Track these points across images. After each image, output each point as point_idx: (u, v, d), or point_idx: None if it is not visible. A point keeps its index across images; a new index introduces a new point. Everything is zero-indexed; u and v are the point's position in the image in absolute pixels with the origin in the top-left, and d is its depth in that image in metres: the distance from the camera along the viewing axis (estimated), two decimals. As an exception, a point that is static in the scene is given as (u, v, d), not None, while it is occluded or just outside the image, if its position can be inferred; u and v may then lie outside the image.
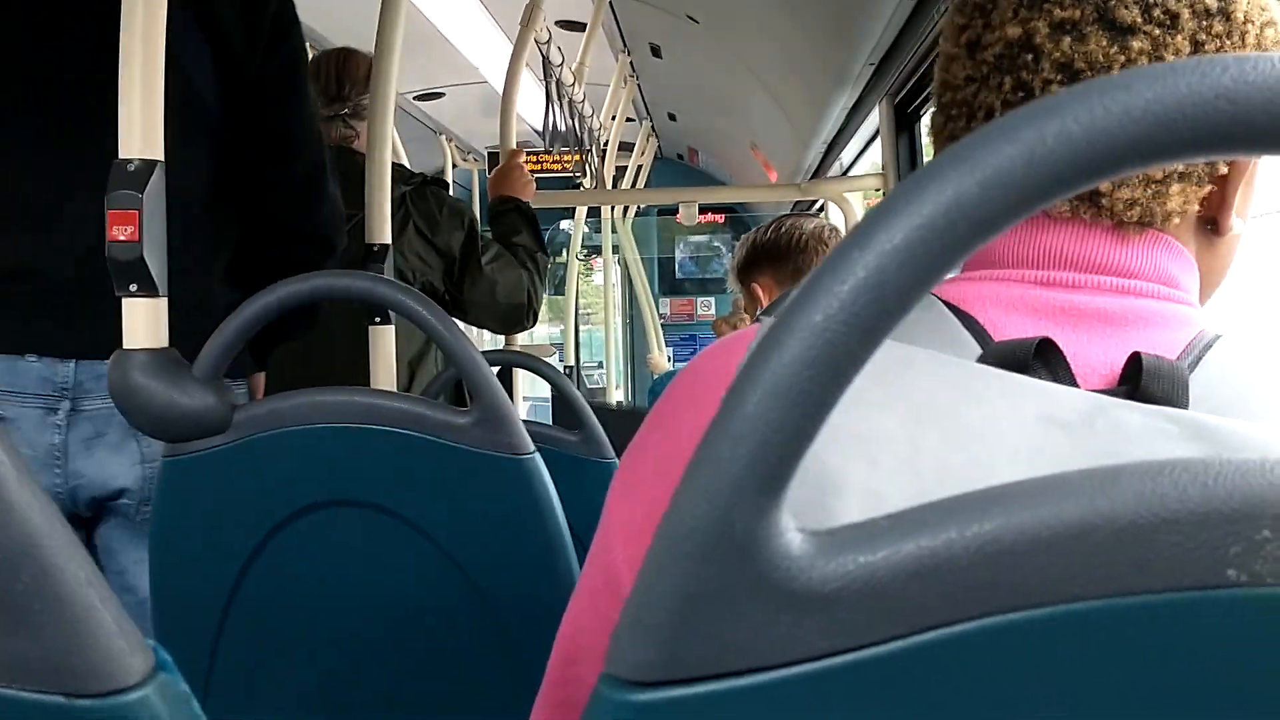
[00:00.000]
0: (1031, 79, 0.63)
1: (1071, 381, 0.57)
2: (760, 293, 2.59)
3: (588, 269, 8.15)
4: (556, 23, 3.83)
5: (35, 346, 1.41)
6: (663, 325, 6.83)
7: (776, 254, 2.54)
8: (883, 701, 0.35)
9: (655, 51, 4.75)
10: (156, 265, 1.14)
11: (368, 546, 1.21)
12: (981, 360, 0.56)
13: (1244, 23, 0.63)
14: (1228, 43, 0.63)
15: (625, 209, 6.22)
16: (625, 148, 5.97)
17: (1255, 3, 0.65)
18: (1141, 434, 0.48)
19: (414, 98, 5.19)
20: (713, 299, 8.15)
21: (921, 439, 0.47)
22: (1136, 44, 0.62)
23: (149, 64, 1.13)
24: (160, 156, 1.15)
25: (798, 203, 4.84)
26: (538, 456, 1.20)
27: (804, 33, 3.13)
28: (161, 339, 1.16)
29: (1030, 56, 0.63)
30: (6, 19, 1.40)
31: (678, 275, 8.24)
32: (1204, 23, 0.62)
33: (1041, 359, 0.56)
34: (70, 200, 1.43)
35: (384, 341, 1.76)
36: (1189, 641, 0.34)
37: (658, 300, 7.57)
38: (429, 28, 4.09)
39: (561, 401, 2.08)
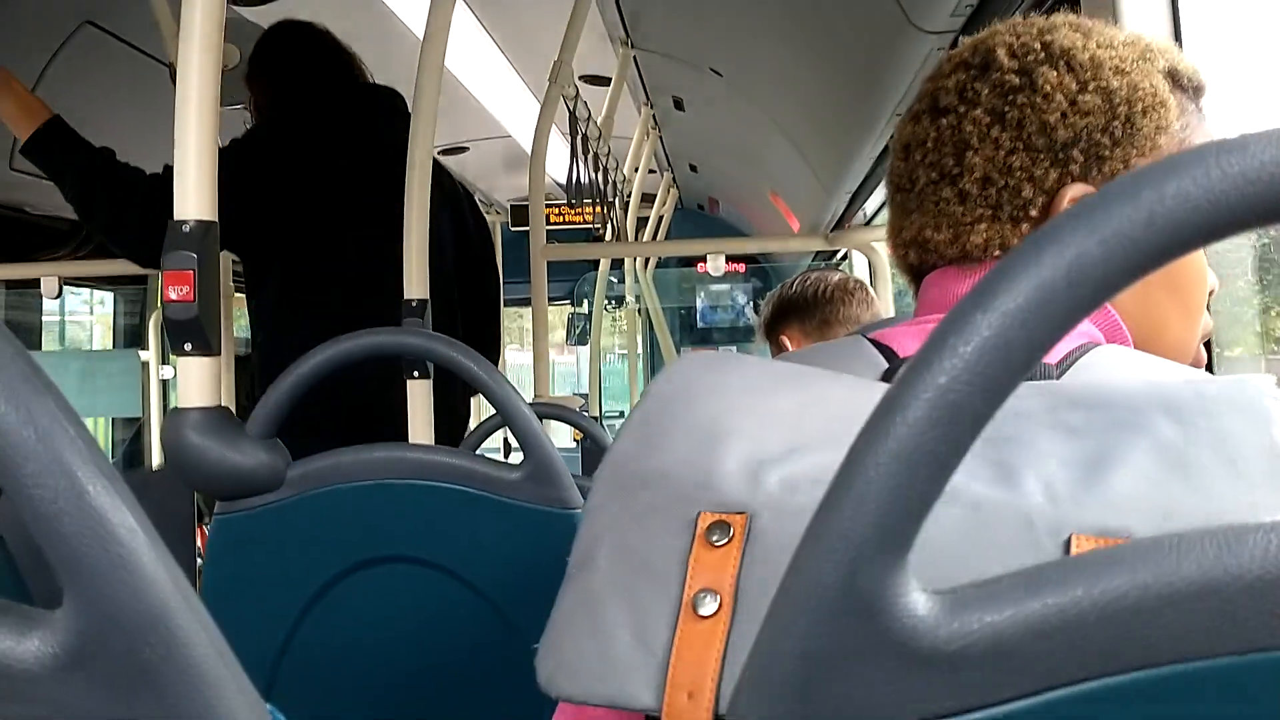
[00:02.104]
0: (895, 161, 0.79)
1: None
2: (789, 344, 2.60)
3: (614, 319, 8.18)
4: (581, 77, 3.87)
5: None
6: (685, 374, 6.81)
7: (804, 306, 2.56)
8: (1009, 760, 0.35)
9: (678, 104, 4.79)
10: (211, 324, 1.15)
11: (418, 602, 1.21)
12: (886, 375, 0.67)
13: (1052, 92, 0.72)
14: (1030, 111, 0.72)
15: (647, 260, 6.25)
16: (646, 199, 6.01)
17: (1078, 74, 0.72)
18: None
19: (439, 152, 5.25)
20: (734, 346, 8.16)
21: (806, 414, 0.56)
22: (945, 121, 0.74)
23: (202, 132, 1.15)
24: (214, 218, 1.17)
25: (819, 253, 4.85)
26: (587, 511, 1.20)
27: (828, 85, 3.16)
28: (216, 397, 1.17)
29: (894, 143, 0.79)
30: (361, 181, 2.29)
31: (698, 324, 8.26)
32: (1007, 96, 0.72)
33: None
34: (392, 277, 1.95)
35: (422, 395, 1.77)
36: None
37: (679, 349, 7.57)
38: (454, 84, 4.14)
39: (593, 452, 2.09)
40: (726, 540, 0.53)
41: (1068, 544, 0.49)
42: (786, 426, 0.56)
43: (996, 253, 0.73)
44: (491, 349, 2.62)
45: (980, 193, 0.73)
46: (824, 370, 0.62)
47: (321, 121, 2.31)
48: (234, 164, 1.80)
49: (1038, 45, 0.73)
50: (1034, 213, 0.73)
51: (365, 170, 2.27)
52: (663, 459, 0.57)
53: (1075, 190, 0.72)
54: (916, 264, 0.78)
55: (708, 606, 0.52)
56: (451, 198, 2.62)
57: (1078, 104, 0.72)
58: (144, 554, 0.36)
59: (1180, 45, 1.24)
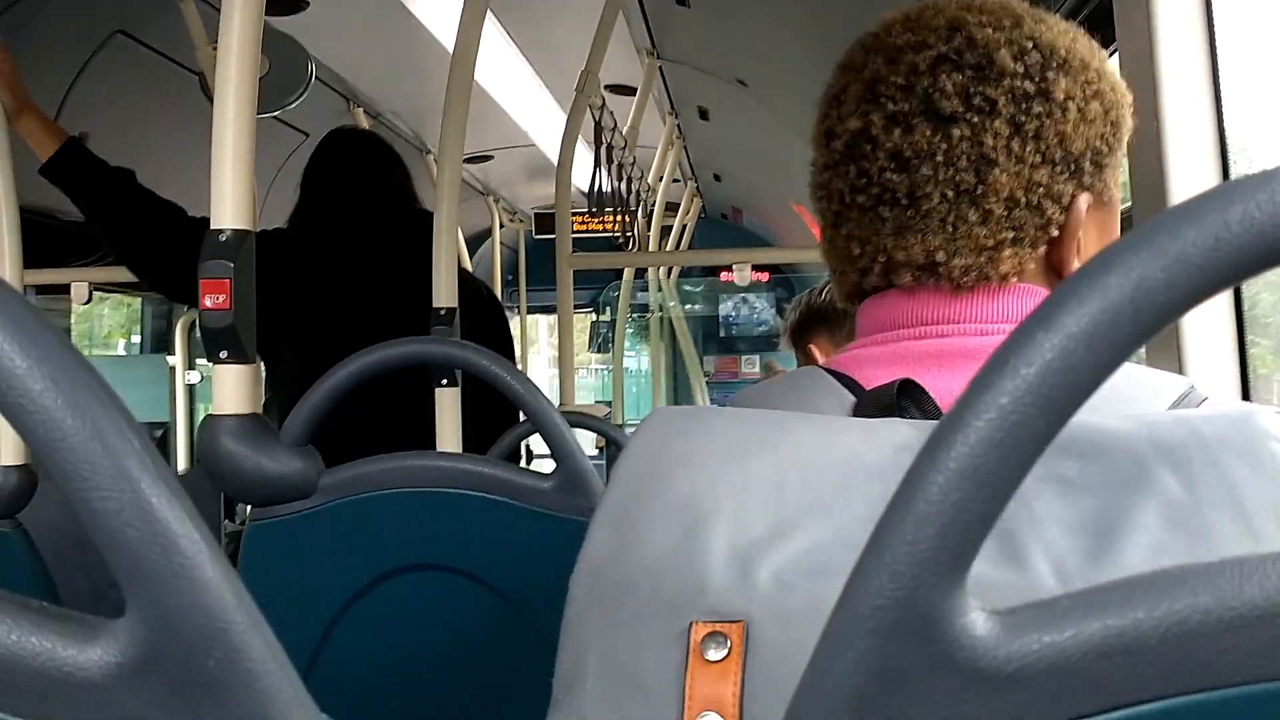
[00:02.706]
0: (870, 167, 0.69)
1: (937, 412, 0.62)
2: (816, 353, 2.59)
3: (639, 329, 8.20)
4: (607, 87, 3.89)
5: None
6: (707, 382, 6.83)
7: (833, 316, 2.55)
8: (1067, 781, 0.35)
9: (703, 114, 4.80)
10: (247, 333, 1.16)
11: (449, 610, 1.21)
12: (856, 408, 0.64)
13: (1064, 101, 0.67)
14: (1048, 121, 0.67)
15: (670, 269, 6.26)
16: (670, 207, 6.02)
17: (1079, 79, 0.68)
18: None
19: (464, 160, 5.27)
20: (757, 357, 8.16)
21: (785, 479, 0.53)
22: (958, 132, 0.66)
23: (239, 143, 1.16)
24: (250, 228, 1.18)
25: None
26: (618, 521, 1.20)
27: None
28: (250, 405, 1.18)
29: (869, 147, 0.69)
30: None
31: (721, 333, 8.26)
32: (1023, 105, 0.66)
33: (908, 397, 0.63)
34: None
35: (450, 404, 1.78)
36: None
37: (702, 358, 7.58)
38: (480, 93, 4.16)
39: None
40: (724, 654, 0.49)
41: None
42: (768, 499, 0.53)
43: (1014, 280, 0.68)
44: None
45: (1006, 213, 0.67)
46: (794, 415, 0.59)
47: (354, 236, 2.30)
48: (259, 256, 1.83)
49: (1030, 44, 0.68)
50: (1055, 232, 0.68)
51: (390, 285, 2.25)
52: (643, 555, 0.53)
53: (1084, 200, 0.68)
54: (881, 285, 0.71)
55: None
56: (473, 297, 2.60)
57: (1084, 112, 0.68)
58: (207, 565, 0.36)
59: (1214, 43, 1.23)
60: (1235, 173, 1.25)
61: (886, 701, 0.35)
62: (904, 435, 0.55)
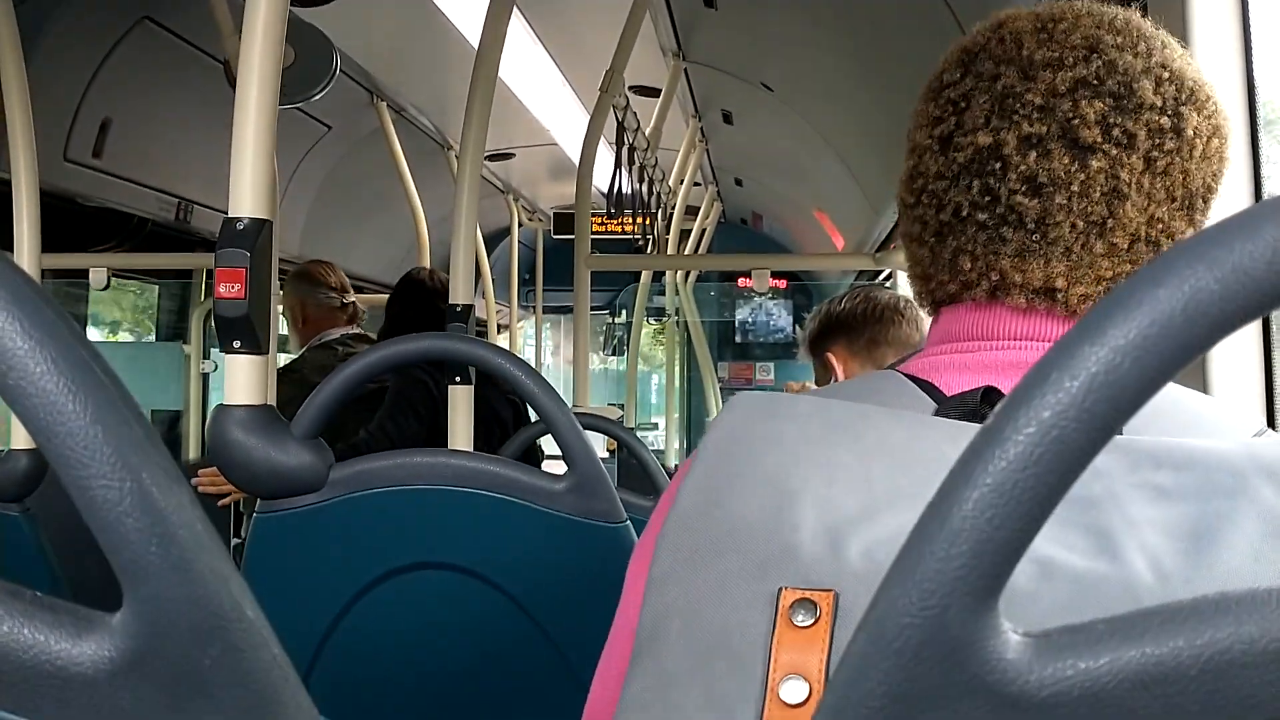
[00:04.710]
0: (998, 186, 0.67)
1: None
2: (834, 362, 2.57)
3: (660, 330, 8.19)
4: (631, 88, 3.88)
5: None
6: (721, 389, 6.82)
7: (852, 325, 2.52)
8: (1098, 815, 0.33)
9: (727, 118, 4.79)
10: (261, 323, 1.15)
11: (455, 609, 1.20)
12: (938, 413, 0.63)
13: (1193, 137, 0.66)
14: (1177, 158, 0.66)
15: (687, 273, 6.25)
16: (690, 211, 6.01)
17: (1204, 116, 0.67)
18: None
19: (485, 158, 5.27)
20: (772, 364, 8.13)
21: (872, 467, 0.53)
22: (1095, 163, 0.65)
23: (260, 132, 1.15)
24: (269, 216, 1.17)
25: (861, 272, 4.82)
26: (630, 525, 1.19)
27: (880, 103, 3.14)
28: (262, 396, 1.17)
29: (998, 165, 0.67)
30: None
31: (737, 339, 8.24)
32: (1157, 140, 0.65)
33: (990, 405, 0.62)
34: None
35: (464, 401, 1.76)
36: None
37: (717, 364, 7.56)
38: (505, 90, 4.16)
39: (629, 464, 2.08)
40: (813, 621, 0.49)
41: None
42: (855, 483, 0.53)
43: None
44: None
45: (1128, 247, 0.66)
46: (877, 409, 0.59)
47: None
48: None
49: (1165, 75, 0.67)
50: None
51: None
52: (732, 519, 0.53)
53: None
54: (981, 300, 0.69)
55: (795, 693, 0.48)
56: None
57: (1207, 149, 0.67)
58: (207, 559, 0.35)
59: (1250, 44, 1.22)
60: (1266, 170, 1.24)
61: (912, 723, 0.34)
62: None
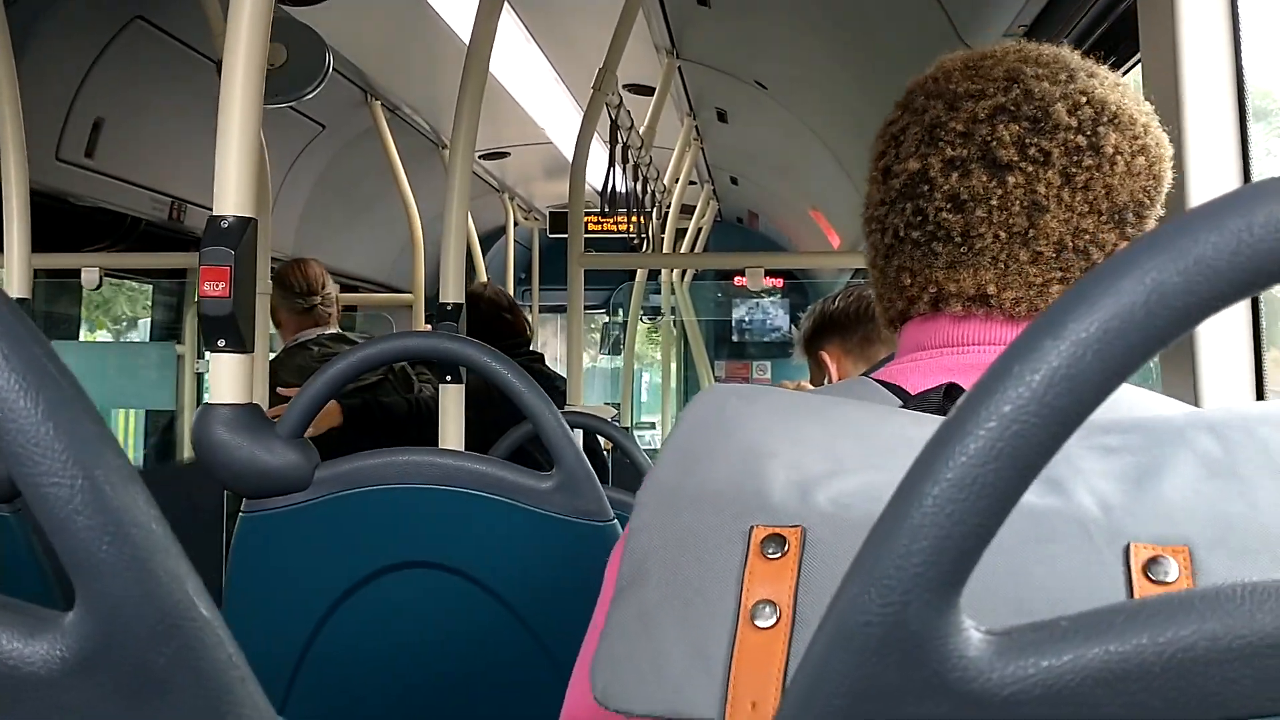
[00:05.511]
0: (927, 206, 0.73)
1: None
2: (828, 361, 2.56)
3: (654, 329, 8.19)
4: (625, 86, 3.87)
5: None
6: (717, 387, 6.79)
7: (845, 322, 2.52)
8: (1061, 814, 0.33)
9: (721, 116, 4.78)
10: (246, 322, 1.14)
11: (442, 608, 1.19)
12: (903, 409, 0.66)
13: (1113, 155, 0.71)
14: (1098, 173, 0.71)
15: (684, 272, 6.24)
16: (686, 210, 6.00)
17: (1127, 137, 0.72)
18: None
19: (480, 156, 5.27)
20: (768, 363, 8.13)
21: (839, 442, 0.57)
22: (1012, 179, 0.71)
23: (245, 131, 1.15)
24: (254, 214, 1.16)
25: (859, 270, 4.82)
26: (617, 524, 1.18)
27: (874, 102, 3.14)
28: (247, 394, 1.16)
29: (926, 187, 0.73)
30: None
31: (733, 338, 8.24)
32: (1075, 157, 0.71)
33: (952, 401, 0.66)
34: None
35: (454, 400, 1.76)
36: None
37: (713, 362, 7.56)
38: (498, 89, 4.15)
39: (622, 463, 2.07)
40: (782, 553, 0.53)
41: (1127, 551, 0.50)
42: (822, 452, 0.56)
43: None
44: None
45: (1055, 255, 0.71)
46: (843, 399, 0.62)
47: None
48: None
49: (1083, 99, 0.72)
50: None
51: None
52: (707, 480, 0.57)
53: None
54: (926, 312, 0.75)
55: (766, 618, 0.52)
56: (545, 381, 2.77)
57: (1130, 166, 0.71)
58: (160, 557, 0.35)
59: (1238, 34, 1.22)
60: (1268, 164, 1.24)
61: (875, 718, 0.33)
62: None
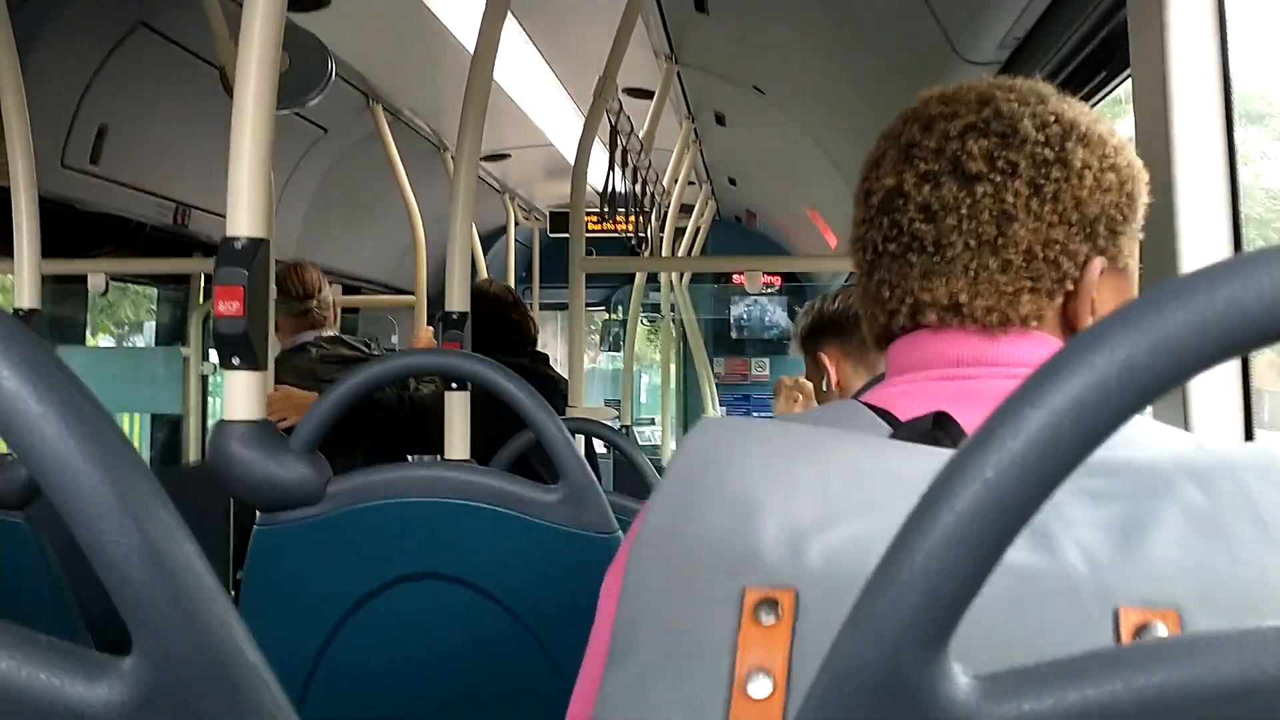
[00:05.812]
0: (901, 218, 0.76)
1: None
2: (827, 364, 2.58)
3: (653, 331, 8.21)
4: (625, 90, 3.89)
5: None
6: (717, 385, 6.84)
7: (844, 326, 2.53)
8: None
9: (719, 119, 4.81)
10: (259, 339, 1.17)
11: (452, 620, 1.22)
12: (893, 437, 0.68)
13: (1081, 169, 0.73)
14: (1066, 185, 0.73)
15: (683, 272, 6.26)
16: (685, 209, 6.03)
17: (1097, 155, 0.74)
18: None
19: (482, 159, 5.28)
20: (767, 360, 8.16)
21: (831, 482, 0.57)
22: (981, 189, 0.73)
23: (256, 151, 1.17)
24: (265, 235, 1.19)
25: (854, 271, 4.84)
26: (621, 536, 1.21)
27: (870, 108, 3.16)
28: (260, 410, 1.19)
29: (901, 200, 0.76)
30: None
31: (732, 335, 8.27)
32: (1043, 170, 0.73)
33: (941, 429, 0.68)
34: None
35: (460, 407, 1.78)
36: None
37: (713, 360, 7.58)
38: (500, 92, 4.17)
39: (624, 465, 2.09)
40: (775, 619, 0.53)
41: (1116, 616, 0.50)
42: (814, 497, 0.57)
43: (1034, 324, 0.74)
44: None
45: (1025, 264, 0.73)
46: (835, 432, 0.63)
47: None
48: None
49: (1051, 118, 0.74)
50: (1070, 286, 0.74)
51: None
52: (699, 531, 0.57)
53: (1098, 263, 0.74)
54: (909, 326, 0.77)
55: (761, 688, 0.51)
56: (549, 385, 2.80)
57: (1100, 181, 0.73)
58: (211, 609, 0.37)
59: (1226, 49, 1.24)
60: (1244, 197, 1.26)
61: (868, 761, 0.36)
62: (939, 460, 0.58)
